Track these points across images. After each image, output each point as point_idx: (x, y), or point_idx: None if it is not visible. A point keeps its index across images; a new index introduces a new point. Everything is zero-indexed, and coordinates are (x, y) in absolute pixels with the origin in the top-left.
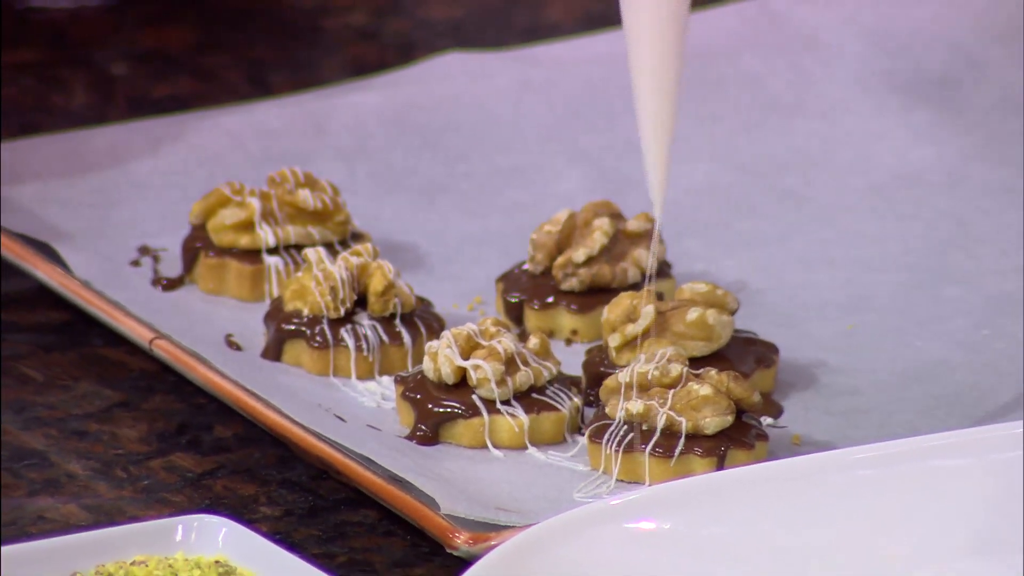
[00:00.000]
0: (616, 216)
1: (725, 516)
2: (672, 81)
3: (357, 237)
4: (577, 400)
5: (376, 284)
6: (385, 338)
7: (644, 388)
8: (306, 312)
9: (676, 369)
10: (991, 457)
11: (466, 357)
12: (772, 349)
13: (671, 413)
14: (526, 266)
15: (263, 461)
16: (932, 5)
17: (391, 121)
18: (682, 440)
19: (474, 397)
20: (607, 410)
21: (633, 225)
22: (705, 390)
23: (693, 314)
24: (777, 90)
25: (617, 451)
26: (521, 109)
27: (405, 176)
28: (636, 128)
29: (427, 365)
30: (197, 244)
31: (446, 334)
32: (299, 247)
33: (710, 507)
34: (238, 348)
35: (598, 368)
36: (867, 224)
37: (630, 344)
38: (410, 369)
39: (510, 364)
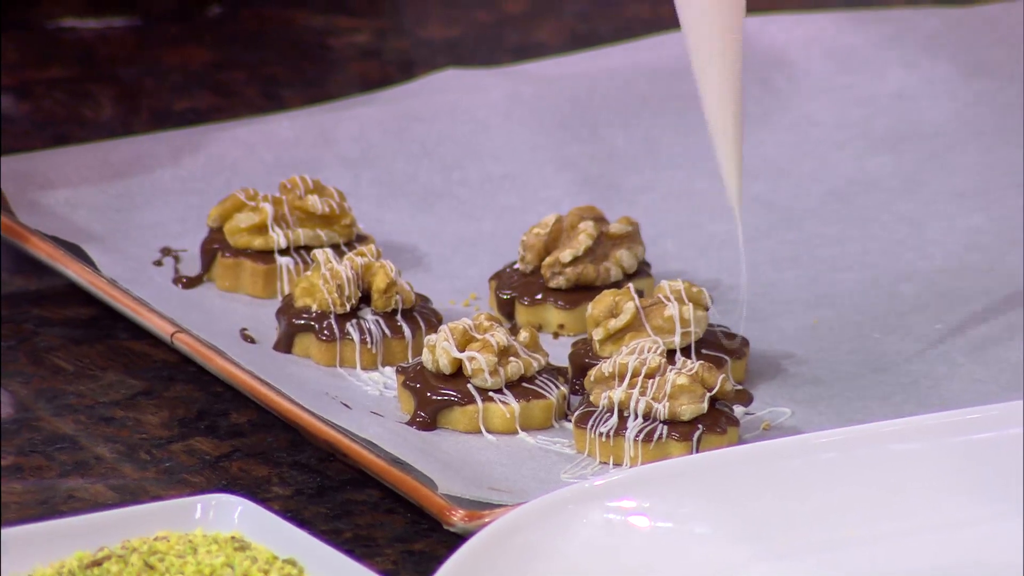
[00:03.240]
0: (600, 220)
1: (699, 495)
2: (736, 79)
3: (362, 239)
4: (564, 389)
5: (379, 282)
6: (387, 332)
7: (625, 378)
8: (315, 308)
9: (655, 360)
10: (945, 441)
11: (462, 349)
12: (743, 342)
13: (650, 401)
14: (517, 265)
15: (275, 445)
16: (889, 26)
17: (393, 132)
18: (660, 426)
19: (469, 386)
20: (591, 398)
21: (615, 228)
22: (681, 380)
23: (670, 310)
24: (747, 103)
25: (601, 436)
26: (512, 121)
27: (406, 183)
28: (708, 137)
29: (426, 357)
30: (214, 245)
31: (443, 328)
32: (308, 248)
33: (685, 487)
34: (252, 341)
35: (583, 359)
36: (829, 227)
37: (613, 337)
38: (410, 360)
39: (502, 356)
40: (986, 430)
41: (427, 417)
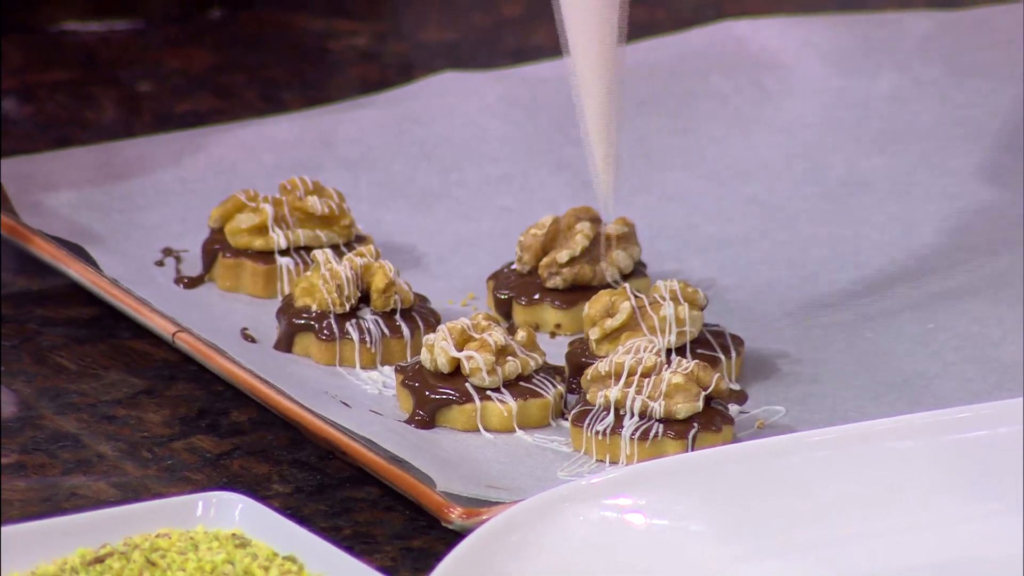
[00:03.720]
0: (596, 220)
1: (694, 493)
2: (614, 83)
3: (361, 239)
4: (561, 388)
5: (378, 282)
6: (386, 331)
7: (621, 377)
8: (315, 308)
9: (651, 359)
10: (937, 439)
11: (460, 348)
12: (737, 341)
13: (646, 399)
14: (514, 266)
15: (275, 443)
16: (881, 30)
17: (392, 134)
18: (656, 424)
19: (467, 385)
20: (588, 397)
21: (612, 228)
22: (677, 378)
23: (666, 309)
24: (741, 105)
25: (597, 434)
26: (509, 123)
27: (404, 184)
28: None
29: (424, 356)
30: (215, 246)
31: (442, 328)
32: (308, 249)
33: (681, 485)
34: (253, 340)
35: (580, 358)
36: (822, 228)
37: (609, 337)
38: (409, 360)
39: (500, 355)
40: (978, 428)
41: (425, 416)
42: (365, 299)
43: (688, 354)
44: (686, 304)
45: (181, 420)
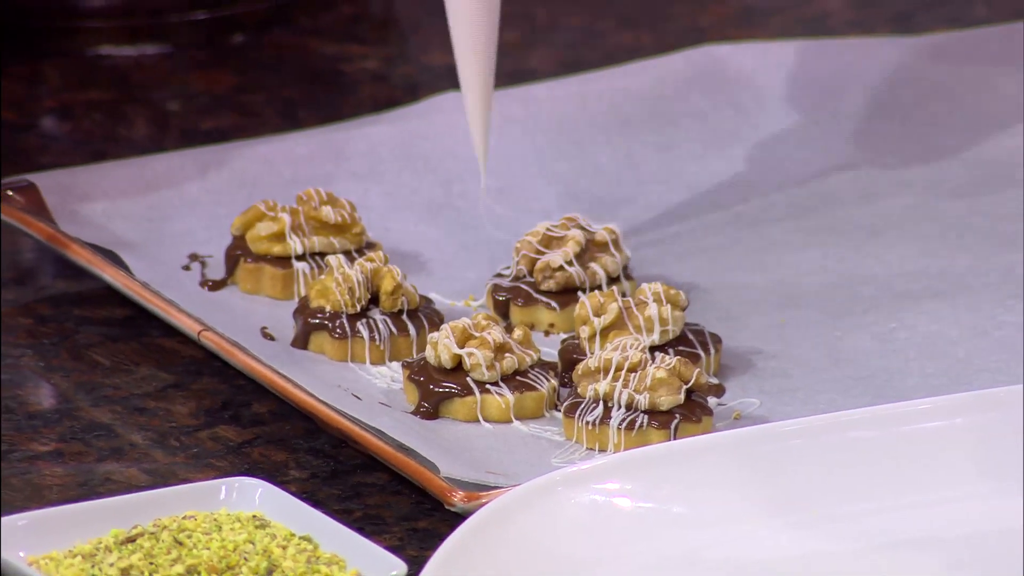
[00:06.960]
0: (586, 229)
1: (676, 478)
2: (488, 57)
3: (371, 246)
4: (554, 382)
5: (387, 285)
6: (394, 330)
7: (609, 371)
8: (328, 308)
9: (636, 356)
10: (899, 429)
11: (462, 346)
12: (716, 339)
13: (632, 392)
14: (511, 270)
15: (293, 432)
16: (849, 54)
17: (399, 149)
18: (641, 415)
19: (468, 379)
20: (579, 390)
21: (600, 236)
22: (660, 373)
23: (651, 310)
24: (720, 123)
25: (587, 424)
26: (506, 139)
27: (411, 195)
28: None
29: (429, 352)
30: (237, 252)
31: (445, 327)
32: (322, 254)
33: (664, 471)
34: (272, 338)
35: (571, 355)
36: (794, 235)
37: (598, 335)
38: (415, 356)
39: (498, 352)
40: (936, 419)
41: (430, 407)
42: (375, 300)
43: (670, 351)
44: (669, 305)
45: (206, 411)
